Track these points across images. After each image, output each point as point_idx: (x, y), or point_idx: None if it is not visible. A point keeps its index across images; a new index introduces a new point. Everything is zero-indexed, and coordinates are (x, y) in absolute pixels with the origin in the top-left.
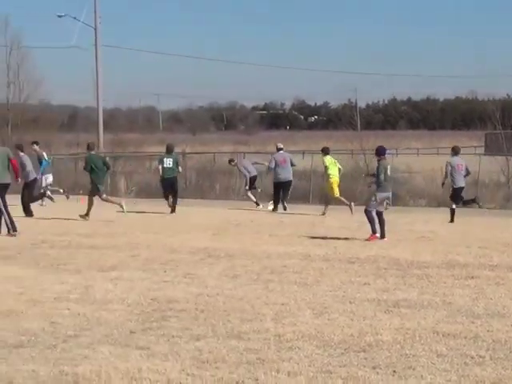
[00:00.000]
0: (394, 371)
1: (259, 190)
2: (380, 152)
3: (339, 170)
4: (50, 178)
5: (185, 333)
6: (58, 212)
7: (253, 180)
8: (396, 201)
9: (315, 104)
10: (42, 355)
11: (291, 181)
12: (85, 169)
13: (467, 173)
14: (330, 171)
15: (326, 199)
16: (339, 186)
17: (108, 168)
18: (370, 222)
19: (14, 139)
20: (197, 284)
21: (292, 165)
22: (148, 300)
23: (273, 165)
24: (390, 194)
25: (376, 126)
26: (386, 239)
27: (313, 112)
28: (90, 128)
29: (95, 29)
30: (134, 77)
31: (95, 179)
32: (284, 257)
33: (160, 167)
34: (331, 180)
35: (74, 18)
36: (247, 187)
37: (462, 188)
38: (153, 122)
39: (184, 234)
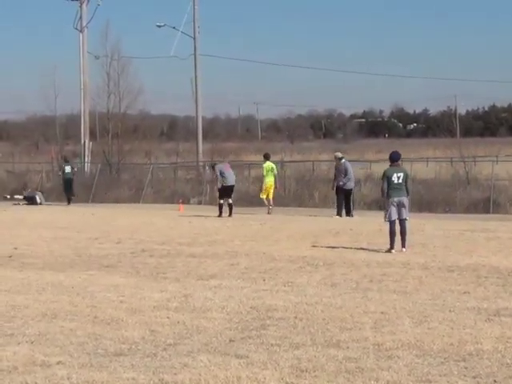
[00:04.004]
0: (495, 381)
1: None
2: (391, 158)
3: (275, 176)
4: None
5: (284, 341)
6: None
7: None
8: (496, 208)
9: (414, 111)
10: (142, 363)
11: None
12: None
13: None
14: (266, 179)
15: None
16: (271, 188)
17: None
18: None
19: (114, 148)
20: (296, 292)
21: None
22: (247, 308)
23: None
24: (400, 199)
25: (476, 133)
26: (404, 249)
27: (412, 119)
28: (190, 137)
29: (194, 38)
30: (233, 86)
31: None
32: (383, 265)
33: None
34: (265, 185)
35: (174, 27)
36: None
37: (233, 186)
38: (251, 131)
39: (283, 243)
